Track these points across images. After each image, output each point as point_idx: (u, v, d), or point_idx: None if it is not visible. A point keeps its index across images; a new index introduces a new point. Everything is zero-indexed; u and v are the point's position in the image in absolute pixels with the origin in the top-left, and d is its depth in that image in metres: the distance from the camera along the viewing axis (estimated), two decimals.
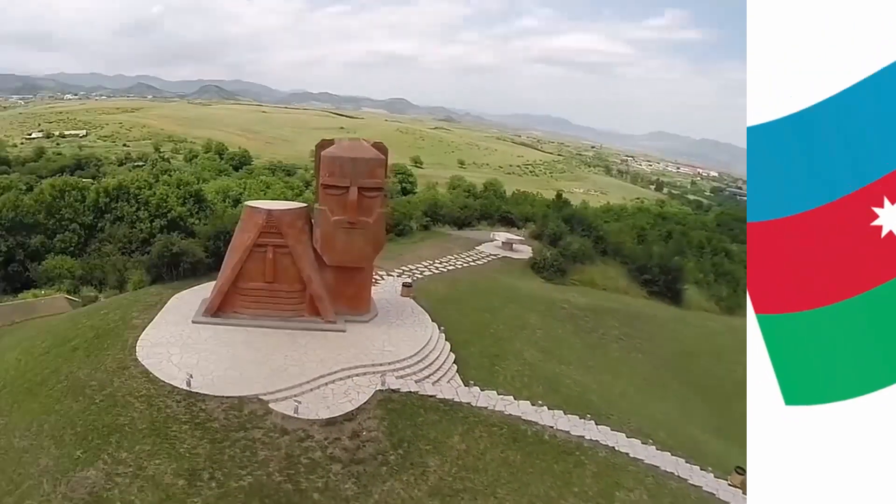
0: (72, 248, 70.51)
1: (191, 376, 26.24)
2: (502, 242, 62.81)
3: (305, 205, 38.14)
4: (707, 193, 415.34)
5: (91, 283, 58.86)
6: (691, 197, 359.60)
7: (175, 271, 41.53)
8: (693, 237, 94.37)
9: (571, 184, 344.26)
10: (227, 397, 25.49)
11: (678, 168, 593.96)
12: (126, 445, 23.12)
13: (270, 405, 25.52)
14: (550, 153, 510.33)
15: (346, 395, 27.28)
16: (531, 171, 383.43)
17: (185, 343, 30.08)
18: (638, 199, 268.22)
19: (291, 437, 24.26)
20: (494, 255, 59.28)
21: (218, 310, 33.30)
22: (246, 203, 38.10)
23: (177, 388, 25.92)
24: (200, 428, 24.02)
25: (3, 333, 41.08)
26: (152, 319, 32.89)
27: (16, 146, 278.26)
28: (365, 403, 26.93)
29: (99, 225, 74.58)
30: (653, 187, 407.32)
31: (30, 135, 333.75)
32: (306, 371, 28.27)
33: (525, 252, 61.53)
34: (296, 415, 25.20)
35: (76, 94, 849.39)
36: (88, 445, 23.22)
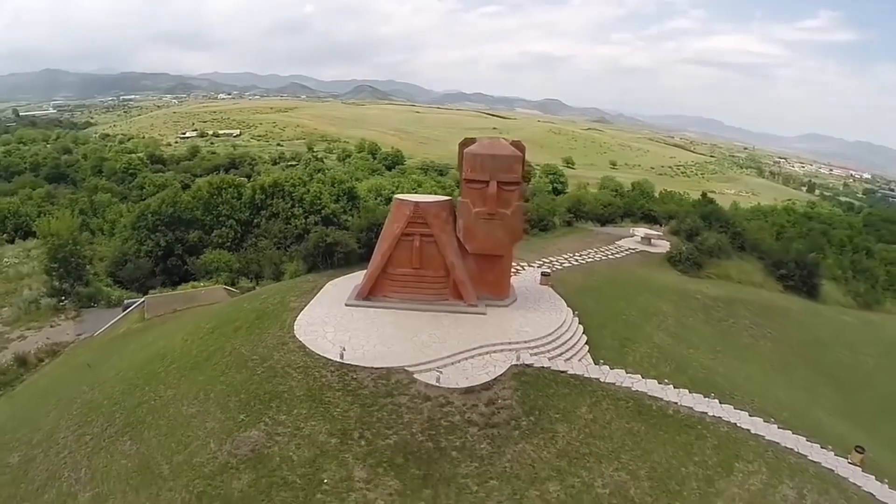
0: (228, 243, 79.26)
1: (344, 349, 31.37)
2: (641, 237, 68.09)
3: (449, 198, 43.69)
4: (859, 195, 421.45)
5: (247, 275, 66.62)
6: (843, 199, 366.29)
7: (329, 260, 48.12)
8: (834, 235, 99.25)
9: (723, 185, 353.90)
10: (376, 368, 30.26)
11: (831, 170, 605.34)
12: (285, 409, 28.26)
13: (415, 375, 30.06)
14: (703, 154, 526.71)
15: (484, 368, 31.49)
16: (683, 172, 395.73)
17: (339, 323, 35.41)
18: (789, 200, 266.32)
19: (433, 403, 28.62)
20: (633, 250, 64.27)
21: (369, 294, 38.93)
22: (395, 196, 43.68)
23: (331, 360, 31.01)
24: (352, 394, 28.79)
25: (167, 320, 48.99)
26: (308, 303, 38.84)
27: (170, 145, 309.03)
28: (501, 376, 31.06)
29: (255, 221, 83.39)
30: (804, 189, 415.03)
31: (184, 134, 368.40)
32: (448, 347, 32.73)
33: (663, 247, 66.13)
34: (437, 384, 29.64)
35: (229, 94, 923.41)
36: (251, 410, 28.57)
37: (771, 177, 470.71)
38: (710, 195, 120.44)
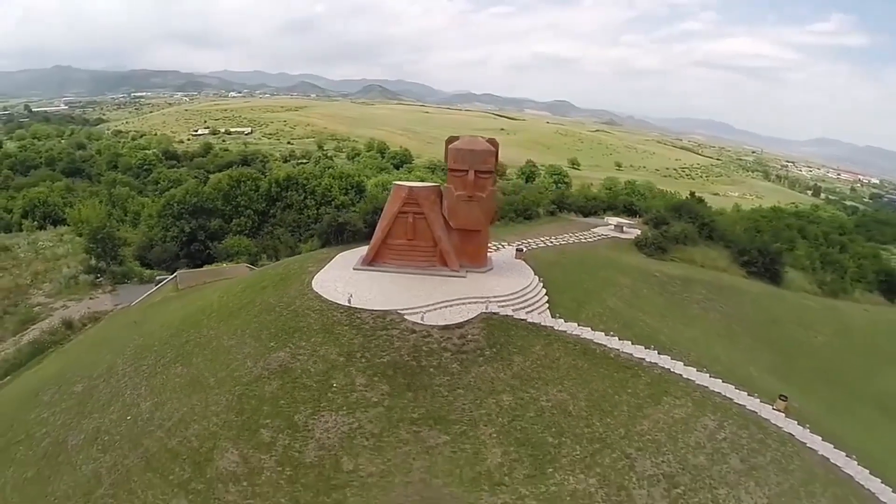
0: (246, 231, 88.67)
1: (351, 296, 40.67)
2: (614, 226, 76.10)
3: (438, 184, 53.48)
4: (866, 200, 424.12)
5: (267, 256, 75.59)
6: (848, 203, 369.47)
7: (340, 237, 58.07)
8: (810, 230, 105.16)
9: (727, 187, 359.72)
10: (375, 310, 39.46)
11: (838, 174, 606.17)
12: (305, 338, 37.48)
13: (405, 316, 39.15)
14: (710, 157, 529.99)
15: (459, 313, 40.38)
16: (687, 175, 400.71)
17: (348, 281, 44.69)
18: (793, 203, 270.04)
19: (417, 335, 37.60)
20: (605, 236, 72.07)
21: (372, 260, 48.62)
22: (394, 182, 53.74)
23: (340, 304, 40.20)
24: (355, 328, 37.94)
25: (199, 289, 57.89)
26: (323, 268, 48.17)
27: (182, 142, 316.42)
28: (472, 319, 39.87)
29: (271, 211, 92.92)
30: (810, 192, 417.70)
31: (196, 131, 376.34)
32: (432, 298, 41.76)
33: (634, 234, 73.20)
34: (421, 322, 38.66)
35: (240, 92, 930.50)
36: (278, 339, 37.80)
37: (777, 180, 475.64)
38: (709, 197, 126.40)
